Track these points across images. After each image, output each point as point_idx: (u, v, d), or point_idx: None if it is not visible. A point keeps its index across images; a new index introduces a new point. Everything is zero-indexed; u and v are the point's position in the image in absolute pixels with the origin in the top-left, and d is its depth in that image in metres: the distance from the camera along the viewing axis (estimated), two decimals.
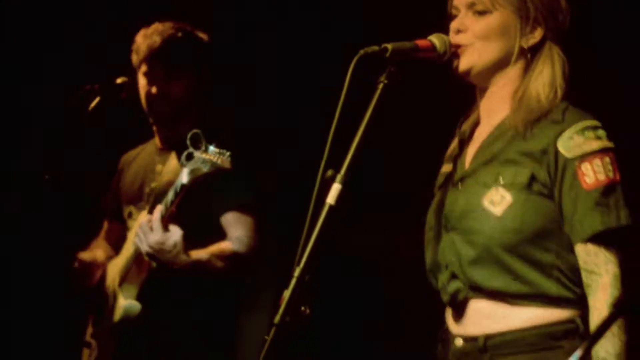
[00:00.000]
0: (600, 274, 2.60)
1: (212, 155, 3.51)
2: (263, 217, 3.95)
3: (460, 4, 2.77)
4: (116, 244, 4.18)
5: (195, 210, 3.78)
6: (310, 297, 2.41)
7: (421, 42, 2.69)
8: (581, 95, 2.71)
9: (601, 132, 2.65)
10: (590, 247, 2.61)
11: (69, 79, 4.41)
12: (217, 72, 4.11)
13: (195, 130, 3.52)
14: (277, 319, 2.37)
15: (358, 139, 2.51)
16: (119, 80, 3.98)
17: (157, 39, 3.97)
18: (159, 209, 3.67)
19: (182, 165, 3.58)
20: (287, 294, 2.39)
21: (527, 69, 2.75)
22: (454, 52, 2.73)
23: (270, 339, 2.37)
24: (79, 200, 4.75)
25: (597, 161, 2.61)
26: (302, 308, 2.40)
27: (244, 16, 4.97)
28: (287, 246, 2.61)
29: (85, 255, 4.18)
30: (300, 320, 2.39)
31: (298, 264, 2.40)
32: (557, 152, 2.63)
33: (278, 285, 2.46)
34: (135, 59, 4.03)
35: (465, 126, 2.87)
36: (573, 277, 2.64)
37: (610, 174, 2.62)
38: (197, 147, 3.52)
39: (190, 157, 3.53)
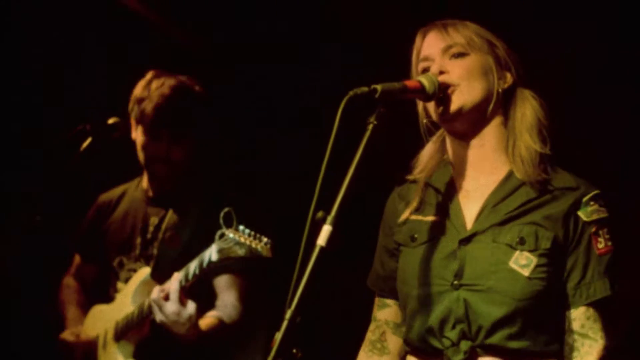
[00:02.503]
0: (596, 340, 2.68)
1: (246, 237, 3.45)
2: (257, 282, 3.93)
3: (433, 53, 2.79)
4: (90, 286, 4.15)
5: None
6: (302, 339, 2.41)
7: (410, 83, 2.70)
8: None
9: (604, 203, 2.75)
10: (592, 312, 2.70)
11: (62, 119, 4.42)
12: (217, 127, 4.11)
13: (227, 209, 3.46)
14: None
15: (348, 179, 2.51)
16: (110, 121, 3.97)
17: (162, 98, 3.87)
18: (177, 279, 3.60)
19: (213, 242, 3.50)
20: (278, 336, 2.38)
21: (506, 117, 2.79)
22: (443, 95, 2.74)
23: None
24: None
25: (605, 229, 2.74)
26: (294, 350, 2.39)
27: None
28: (279, 288, 2.61)
29: (66, 336, 4.12)
30: None
31: (289, 306, 2.40)
32: (577, 216, 2.72)
33: (271, 327, 2.45)
34: (136, 112, 3.94)
35: (435, 176, 2.87)
36: (558, 334, 2.72)
37: (611, 242, 2.74)
38: (229, 226, 3.46)
39: (222, 235, 3.47)
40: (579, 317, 2.70)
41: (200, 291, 3.76)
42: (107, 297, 4.07)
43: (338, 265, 2.83)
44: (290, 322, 2.38)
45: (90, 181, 4.38)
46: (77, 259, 4.28)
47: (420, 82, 2.72)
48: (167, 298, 3.61)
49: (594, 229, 2.71)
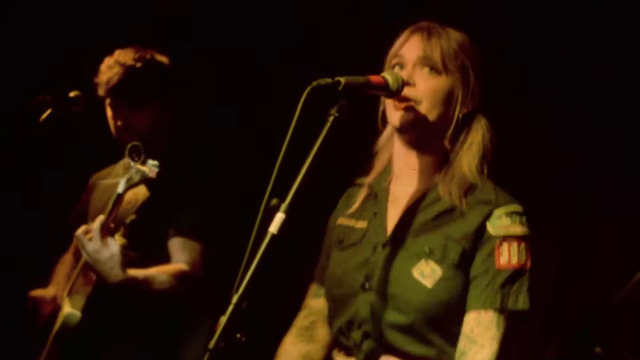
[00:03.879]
0: (483, 346, 2.67)
1: (147, 167, 3.54)
2: (212, 244, 3.92)
3: (409, 59, 2.80)
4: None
5: (147, 237, 3.76)
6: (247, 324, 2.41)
7: (374, 78, 2.70)
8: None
9: (524, 220, 2.76)
10: (484, 319, 2.69)
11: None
12: (183, 93, 4.10)
13: (134, 143, 3.54)
14: (211, 344, 2.36)
15: (305, 169, 2.52)
16: (72, 94, 3.94)
17: (116, 73, 3.95)
18: (100, 219, 3.63)
19: (121, 176, 3.58)
20: (223, 320, 2.38)
21: (456, 137, 2.81)
22: (400, 105, 2.75)
23: None
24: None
25: (515, 245, 2.72)
26: (238, 335, 2.39)
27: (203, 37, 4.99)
28: (228, 271, 2.61)
29: (35, 293, 4.11)
30: (235, 346, 2.38)
31: (236, 291, 2.40)
32: (485, 229, 2.73)
33: (216, 311, 2.45)
34: (99, 90, 4.02)
35: (377, 181, 2.90)
36: None
37: (523, 260, 2.73)
38: (133, 159, 3.54)
39: (127, 167, 3.56)
40: (470, 321, 2.70)
41: (156, 257, 3.78)
42: None
43: (288, 255, 2.83)
44: (236, 306, 2.39)
45: (49, 153, 4.37)
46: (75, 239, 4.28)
47: (384, 78, 2.72)
48: (90, 238, 3.62)
49: (498, 243, 2.71)
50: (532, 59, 4.18)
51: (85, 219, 4.14)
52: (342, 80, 2.60)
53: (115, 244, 3.61)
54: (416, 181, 2.83)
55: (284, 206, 2.47)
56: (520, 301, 2.70)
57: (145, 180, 3.56)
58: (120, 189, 3.58)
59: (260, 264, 2.42)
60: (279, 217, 2.46)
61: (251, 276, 2.41)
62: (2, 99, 4.63)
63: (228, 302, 2.40)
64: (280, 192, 2.48)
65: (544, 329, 3.90)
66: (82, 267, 3.81)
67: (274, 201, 2.47)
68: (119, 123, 3.99)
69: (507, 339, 2.69)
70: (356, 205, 2.91)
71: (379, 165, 2.92)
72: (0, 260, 4.77)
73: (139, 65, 3.98)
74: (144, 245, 3.77)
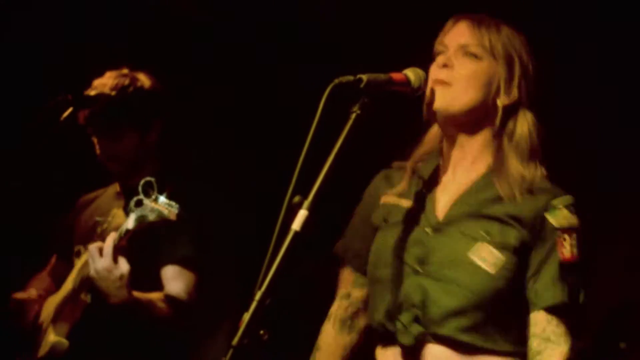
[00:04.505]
0: (559, 344, 2.66)
1: (161, 205, 3.46)
2: (205, 274, 3.88)
3: (450, 43, 2.78)
4: (59, 282, 4.09)
5: (140, 261, 3.70)
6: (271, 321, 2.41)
7: (396, 76, 2.70)
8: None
9: (576, 211, 2.73)
10: (553, 316, 2.67)
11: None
12: (166, 117, 4.06)
13: (148, 179, 3.48)
14: (235, 341, 2.36)
15: (327, 167, 2.52)
16: (92, 92, 3.94)
17: (92, 108, 3.90)
18: (112, 236, 3.58)
19: (130, 211, 3.52)
20: (246, 316, 2.39)
21: (501, 128, 2.78)
22: (432, 86, 2.74)
23: None
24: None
25: (574, 236, 2.70)
26: (261, 332, 2.40)
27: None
28: (248, 271, 2.62)
29: (19, 295, 4.10)
30: (258, 343, 2.39)
31: (260, 288, 2.40)
32: (544, 219, 2.70)
33: (239, 310, 2.46)
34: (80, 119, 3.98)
35: (423, 166, 2.87)
36: (521, 336, 2.70)
37: (577, 252, 2.70)
38: (148, 195, 3.48)
39: (139, 203, 3.49)
40: (540, 320, 2.68)
41: (147, 284, 3.76)
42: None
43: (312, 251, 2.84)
44: (259, 303, 2.39)
45: (70, 151, 4.38)
46: (53, 258, 4.27)
47: (406, 75, 2.72)
48: (102, 254, 3.59)
49: (560, 234, 2.69)
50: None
51: (70, 242, 4.11)
52: (364, 77, 2.60)
53: (125, 264, 3.58)
54: (464, 170, 2.80)
55: (306, 203, 2.47)
56: (582, 295, 2.69)
57: (162, 221, 3.48)
58: (130, 226, 3.51)
59: (283, 261, 2.42)
60: (302, 214, 2.46)
61: (274, 273, 2.41)
62: (23, 98, 4.65)
63: (251, 299, 2.40)
64: (302, 190, 2.48)
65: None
66: (73, 295, 3.80)
67: (297, 198, 2.47)
68: (101, 153, 3.97)
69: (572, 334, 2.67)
70: (402, 186, 2.86)
71: (421, 150, 2.88)
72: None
73: (113, 94, 3.91)
74: (136, 274, 3.67)
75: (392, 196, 2.87)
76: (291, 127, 3.25)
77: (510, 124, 2.78)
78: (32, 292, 4.12)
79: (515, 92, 2.78)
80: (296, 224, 2.46)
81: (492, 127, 2.78)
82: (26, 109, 3.82)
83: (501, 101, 2.77)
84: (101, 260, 3.57)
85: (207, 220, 3.92)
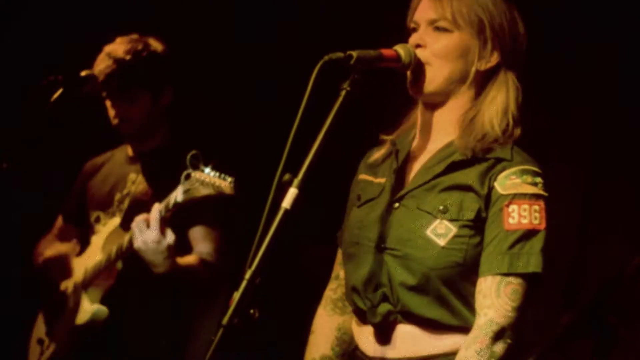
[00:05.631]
0: (479, 315, 2.59)
1: (212, 177, 3.51)
2: (230, 230, 3.94)
3: (420, 19, 2.76)
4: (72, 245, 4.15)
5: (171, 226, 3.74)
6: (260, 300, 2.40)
7: (386, 52, 2.68)
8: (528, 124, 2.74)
9: (539, 180, 2.65)
10: (486, 286, 2.60)
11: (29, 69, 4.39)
12: (180, 81, 4.10)
13: (194, 152, 3.52)
14: (225, 320, 2.35)
15: (317, 144, 2.50)
16: (83, 73, 3.93)
17: (107, 66, 3.97)
18: (158, 208, 3.64)
19: (179, 183, 3.56)
20: (236, 295, 2.37)
21: (479, 93, 2.75)
22: (416, 68, 2.72)
23: (217, 339, 2.35)
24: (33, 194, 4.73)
25: (525, 205, 2.61)
26: (252, 311, 2.38)
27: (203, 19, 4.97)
28: (241, 249, 2.60)
29: (50, 252, 4.14)
30: (248, 322, 2.37)
31: (250, 267, 2.39)
32: (493, 187, 2.64)
33: (230, 288, 2.44)
34: (95, 82, 4.01)
35: (399, 138, 2.84)
36: None
37: (536, 221, 2.62)
38: (195, 168, 3.52)
39: (188, 176, 3.53)
40: (484, 288, 2.60)
41: (178, 245, 3.77)
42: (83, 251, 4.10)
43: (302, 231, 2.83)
44: (249, 282, 2.38)
45: (61, 132, 4.37)
46: (58, 220, 4.31)
47: (396, 51, 2.69)
48: (148, 226, 3.64)
49: (506, 202, 2.61)
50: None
51: (84, 206, 4.16)
52: (354, 54, 2.58)
53: (172, 235, 3.65)
54: (436, 138, 2.77)
55: (296, 181, 2.45)
56: (532, 263, 2.58)
57: (219, 194, 3.52)
58: (180, 198, 3.56)
59: (273, 239, 2.40)
60: (292, 192, 2.44)
61: (264, 252, 2.39)
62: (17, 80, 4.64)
63: (241, 278, 2.38)
64: (292, 168, 2.46)
65: (561, 294, 3.86)
66: (107, 265, 3.84)
67: (287, 176, 2.46)
68: (114, 115, 4.03)
69: (524, 303, 2.59)
70: (376, 157, 2.85)
71: (405, 124, 2.86)
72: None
73: (128, 57, 3.98)
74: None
75: (367, 173, 2.86)
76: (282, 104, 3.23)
77: (488, 87, 2.74)
78: (61, 248, 4.15)
79: (494, 56, 2.74)
80: (286, 202, 2.44)
81: (473, 92, 2.75)
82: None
83: (477, 67, 2.73)
84: (148, 232, 3.63)
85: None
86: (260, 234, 2.41)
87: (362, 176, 2.87)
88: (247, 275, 2.38)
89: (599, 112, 4.14)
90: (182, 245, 3.83)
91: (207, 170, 3.51)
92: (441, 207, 2.65)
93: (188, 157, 3.52)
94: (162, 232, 3.63)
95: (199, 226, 3.89)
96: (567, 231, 2.80)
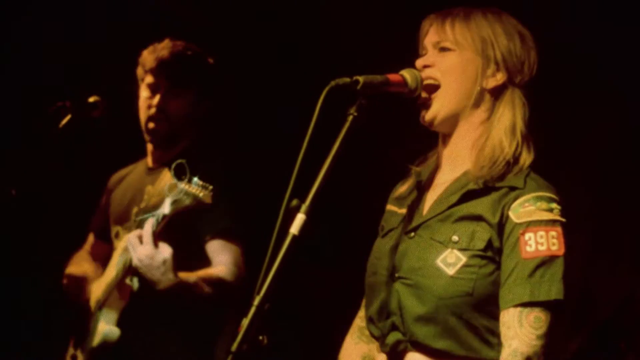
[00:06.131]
0: (504, 346, 2.57)
1: (195, 188, 3.49)
2: (247, 243, 3.91)
3: (427, 44, 2.79)
4: (102, 263, 4.14)
5: (181, 237, 3.74)
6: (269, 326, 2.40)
7: (393, 77, 2.69)
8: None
9: (554, 206, 2.64)
10: (507, 318, 2.58)
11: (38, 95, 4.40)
12: (220, 97, 4.13)
13: (179, 161, 3.52)
14: (234, 346, 2.35)
15: (325, 170, 2.50)
16: (91, 99, 3.96)
17: (166, 52, 4.00)
18: (150, 222, 3.62)
19: (165, 196, 3.55)
20: (245, 322, 2.37)
21: (489, 116, 2.75)
22: (424, 101, 2.73)
23: None
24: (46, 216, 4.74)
25: (541, 232, 2.60)
26: (260, 337, 2.38)
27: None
28: (249, 274, 2.61)
29: (74, 270, 4.14)
30: (257, 349, 2.37)
31: (258, 293, 2.38)
32: (508, 217, 2.63)
33: (239, 313, 2.44)
34: (140, 71, 4.05)
35: (424, 169, 2.85)
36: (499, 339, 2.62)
37: (554, 247, 2.60)
38: (180, 178, 3.50)
39: (173, 187, 3.51)
40: (507, 320, 2.59)
41: (194, 259, 3.78)
42: None
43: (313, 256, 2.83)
44: (258, 308, 2.37)
45: (72, 158, 4.39)
46: (90, 237, 4.31)
47: (402, 76, 2.71)
48: (142, 241, 3.61)
49: (521, 231, 2.60)
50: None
51: (107, 221, 4.16)
52: (361, 79, 2.59)
53: (167, 248, 3.61)
54: (453, 168, 2.77)
55: (304, 207, 2.45)
56: (554, 291, 2.57)
57: (199, 205, 3.51)
58: (166, 211, 3.55)
59: (282, 265, 2.40)
60: (300, 218, 2.45)
61: (273, 278, 2.39)
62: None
63: (250, 304, 2.38)
64: (300, 193, 2.47)
65: (570, 320, 3.85)
66: (119, 282, 3.82)
67: (295, 202, 2.46)
68: (154, 102, 3.99)
69: (548, 331, 2.56)
70: (403, 189, 2.86)
71: (431, 154, 2.88)
72: (17, 261, 4.79)
73: (189, 52, 4.03)
74: (180, 250, 3.72)
75: (393, 203, 2.87)
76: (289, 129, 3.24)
77: (496, 106, 2.75)
78: (85, 267, 4.15)
79: (499, 75, 2.75)
80: (294, 228, 2.44)
81: (483, 114, 2.75)
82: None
83: (486, 85, 2.74)
84: (141, 248, 3.60)
85: (244, 193, 3.96)
86: (268, 260, 2.41)
87: (390, 207, 2.88)
88: (256, 301, 2.38)
89: (607, 138, 4.14)
90: (203, 261, 3.81)
91: (195, 180, 3.50)
92: (453, 237, 2.65)
93: (172, 167, 3.52)
94: (156, 246, 3.59)
95: (215, 240, 3.85)
96: (575, 255, 2.80)
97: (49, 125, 3.88)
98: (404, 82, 2.70)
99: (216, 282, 3.78)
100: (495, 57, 2.74)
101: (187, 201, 3.50)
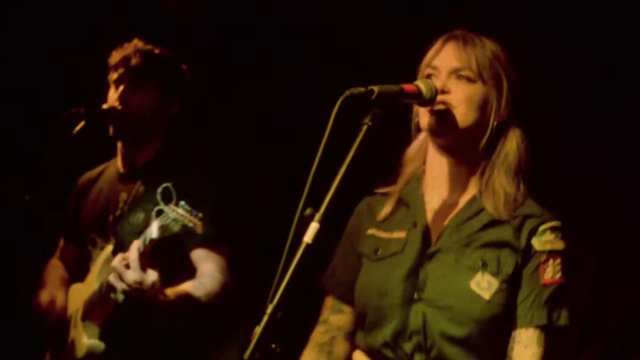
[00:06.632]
0: None
1: (184, 213, 3.43)
2: (234, 249, 3.89)
3: (442, 67, 2.80)
4: (74, 267, 4.13)
5: (166, 246, 3.65)
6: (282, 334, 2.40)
7: (407, 87, 2.70)
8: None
9: (562, 235, 2.79)
10: (524, 337, 2.72)
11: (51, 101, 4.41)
12: (192, 100, 4.10)
13: (165, 185, 3.47)
14: (246, 354, 2.35)
15: (339, 179, 2.51)
16: (105, 106, 3.96)
17: (130, 49, 3.99)
18: (136, 246, 3.54)
19: (151, 219, 3.49)
20: (258, 330, 2.37)
21: (491, 149, 2.82)
22: (439, 109, 2.75)
23: None
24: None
25: (558, 260, 2.76)
26: (273, 345, 2.39)
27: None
28: (263, 283, 2.60)
29: (43, 297, 4.08)
30: (270, 357, 2.37)
31: (271, 301, 2.39)
32: (530, 244, 2.75)
33: (251, 322, 2.44)
34: (110, 67, 4.02)
35: (406, 190, 2.89)
36: None
37: (563, 275, 2.76)
38: (167, 202, 3.45)
39: (160, 212, 3.46)
40: (512, 339, 2.73)
41: (178, 268, 3.76)
42: (84, 277, 4.04)
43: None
44: (271, 316, 2.38)
45: (85, 163, 4.38)
46: (61, 241, 4.28)
47: (417, 86, 2.71)
48: (128, 266, 3.55)
49: (543, 259, 2.74)
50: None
51: (80, 225, 4.11)
52: (376, 89, 2.60)
53: (154, 272, 3.55)
54: (453, 190, 2.83)
55: (318, 216, 2.46)
56: (563, 317, 2.73)
57: (188, 233, 3.46)
58: (154, 235, 3.48)
59: (295, 273, 2.41)
60: (314, 227, 2.45)
61: (286, 286, 2.40)
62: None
63: (263, 312, 2.38)
64: (314, 202, 2.47)
65: (579, 338, 3.86)
66: (102, 296, 3.78)
67: (308, 211, 2.46)
68: (115, 95, 3.95)
69: (548, 355, 2.71)
70: (385, 213, 2.89)
71: (406, 173, 2.91)
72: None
73: (155, 51, 4.01)
74: (166, 259, 3.70)
75: (378, 228, 2.89)
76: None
77: (499, 142, 2.82)
78: (52, 290, 4.10)
79: (505, 110, 2.81)
80: (308, 237, 2.45)
81: (480, 147, 2.81)
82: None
83: (493, 120, 2.80)
84: (129, 273, 3.53)
85: (226, 199, 3.93)
86: (282, 269, 2.42)
87: (372, 231, 2.90)
88: (269, 309, 2.38)
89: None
90: (190, 270, 3.80)
91: (182, 203, 3.44)
92: (481, 262, 2.73)
93: (159, 191, 3.47)
94: (144, 270, 3.53)
95: (200, 248, 3.82)
96: (583, 278, 2.88)
97: (63, 131, 3.88)
98: (419, 93, 2.71)
99: (184, 298, 3.73)
100: (506, 93, 2.81)
101: (176, 228, 3.44)
